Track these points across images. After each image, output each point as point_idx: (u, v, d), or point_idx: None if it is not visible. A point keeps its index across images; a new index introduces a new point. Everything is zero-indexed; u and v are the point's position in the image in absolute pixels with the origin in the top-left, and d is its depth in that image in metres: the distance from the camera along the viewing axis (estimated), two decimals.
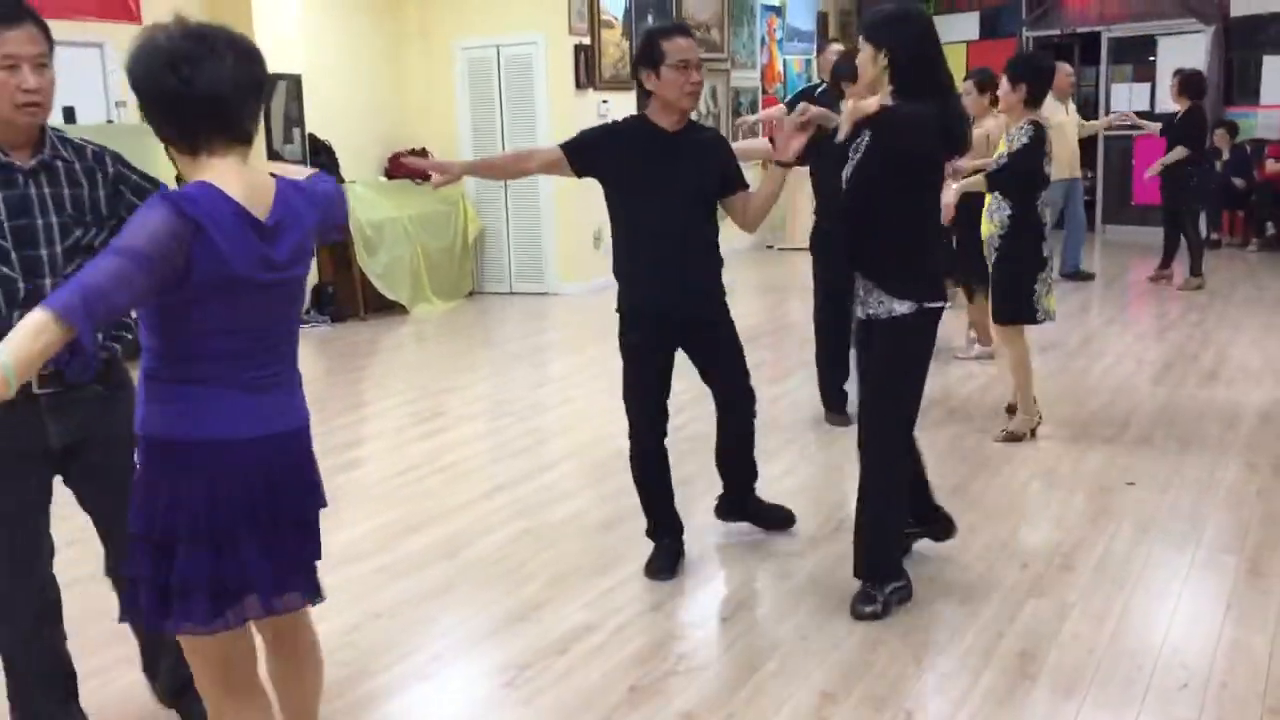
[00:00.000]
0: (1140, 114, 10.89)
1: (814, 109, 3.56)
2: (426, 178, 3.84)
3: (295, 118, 8.99)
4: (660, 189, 3.66)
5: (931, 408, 5.71)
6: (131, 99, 2.29)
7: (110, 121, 7.64)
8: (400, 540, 4.34)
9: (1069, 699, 3.03)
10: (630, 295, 3.81)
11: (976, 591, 3.70)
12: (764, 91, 12.49)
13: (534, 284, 10.39)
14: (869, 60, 3.41)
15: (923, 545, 4.00)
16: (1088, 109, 12.55)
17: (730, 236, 4.08)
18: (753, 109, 12.20)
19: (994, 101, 5.95)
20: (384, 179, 10.12)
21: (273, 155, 8.78)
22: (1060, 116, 9.07)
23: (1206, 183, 9.47)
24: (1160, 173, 9.31)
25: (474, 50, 10.25)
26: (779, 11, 12.90)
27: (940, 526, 3.97)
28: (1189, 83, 9.27)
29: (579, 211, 10.06)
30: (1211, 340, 7.35)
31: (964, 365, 6.83)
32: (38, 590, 2.70)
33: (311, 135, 9.21)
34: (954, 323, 6.70)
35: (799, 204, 12.28)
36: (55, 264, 2.52)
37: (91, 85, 7.67)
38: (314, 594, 2.32)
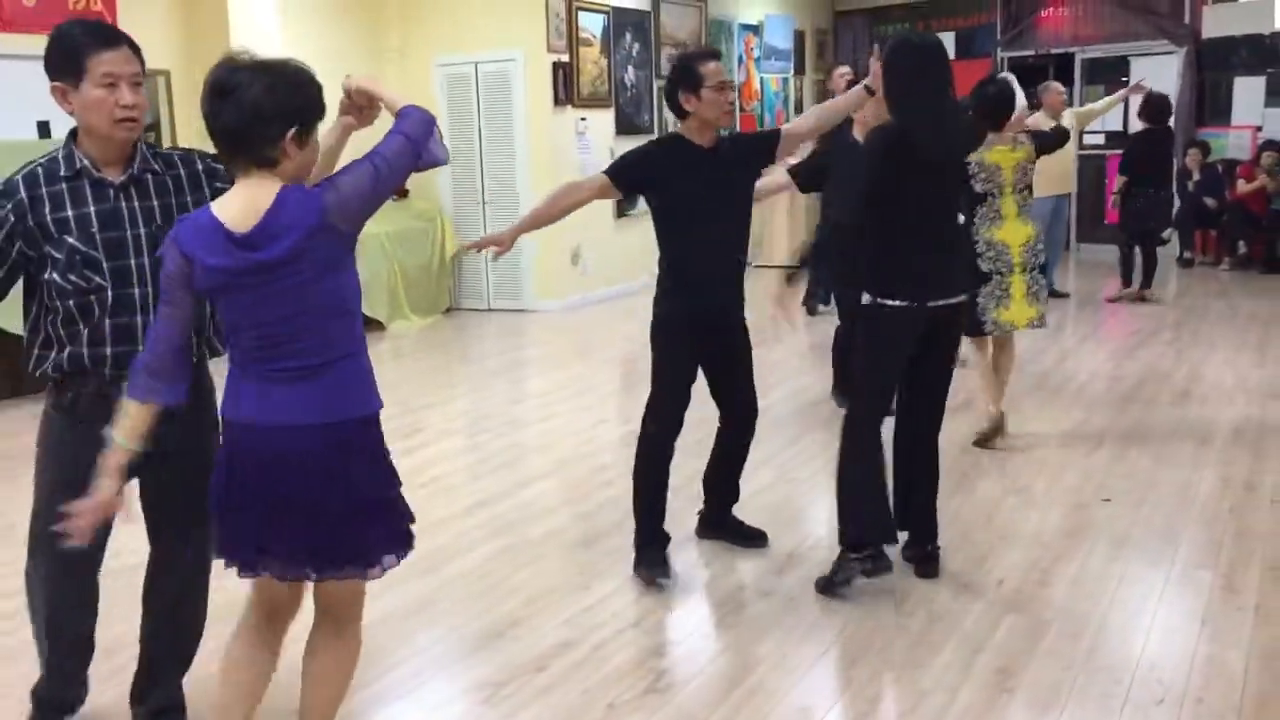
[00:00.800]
0: (1112, 134, 11.05)
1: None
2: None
3: None
4: (702, 204, 3.88)
5: None
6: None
7: None
8: None
9: (1046, 714, 3.05)
10: (670, 303, 3.99)
11: (954, 608, 3.72)
12: (741, 110, 12.55)
13: (512, 301, 10.38)
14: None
15: (896, 564, 4.01)
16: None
17: None
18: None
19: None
20: None
21: None
22: None
23: (1156, 204, 9.59)
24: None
25: (452, 67, 10.26)
26: (756, 30, 12.98)
27: (922, 558, 4.05)
28: (1147, 105, 9.47)
29: (557, 229, 9.95)
30: (1185, 358, 7.42)
31: None
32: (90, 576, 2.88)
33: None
34: None
35: (778, 223, 12.36)
36: (143, 273, 2.67)
37: None
38: (322, 572, 2.47)
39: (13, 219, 2.58)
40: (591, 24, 10.37)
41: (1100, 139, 12.62)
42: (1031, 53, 13.38)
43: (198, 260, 2.30)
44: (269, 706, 2.71)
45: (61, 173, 2.64)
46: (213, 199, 2.56)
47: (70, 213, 2.61)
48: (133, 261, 2.66)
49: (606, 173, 4.01)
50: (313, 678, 2.62)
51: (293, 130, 2.32)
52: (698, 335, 3.98)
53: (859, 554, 3.80)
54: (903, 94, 3.72)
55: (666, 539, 4.12)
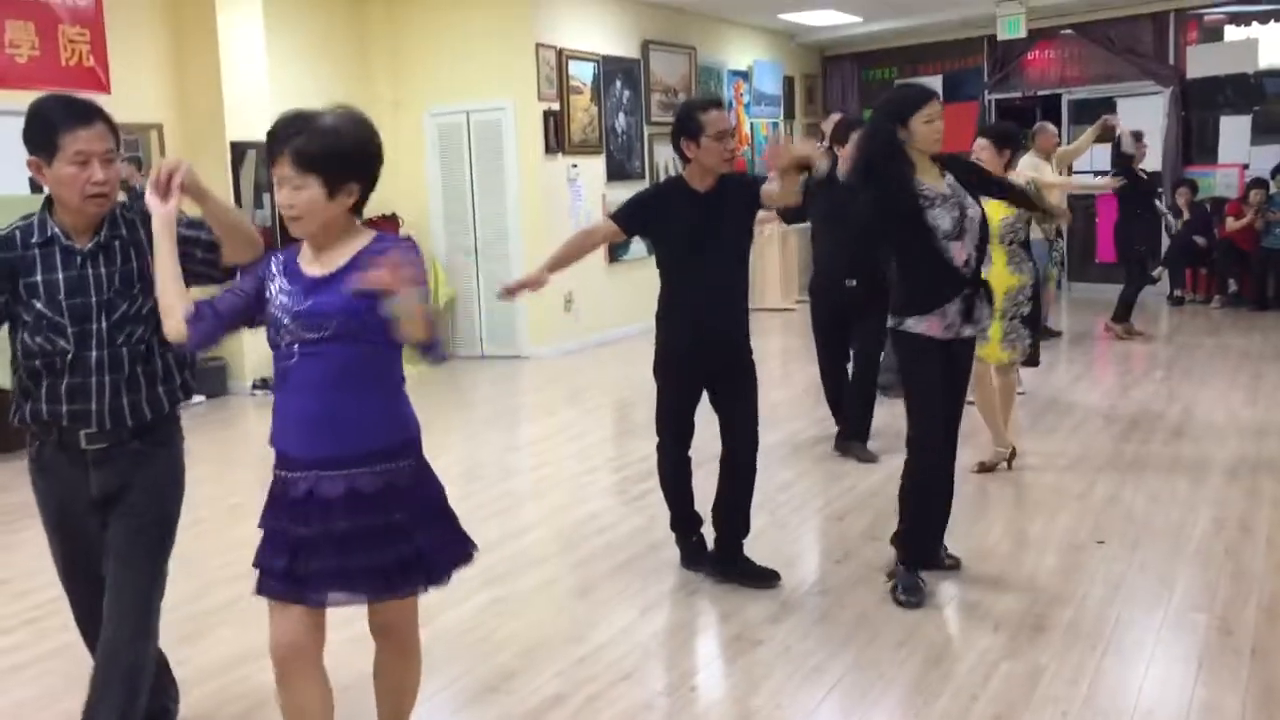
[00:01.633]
0: (1100, 173, 11.14)
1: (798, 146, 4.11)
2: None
3: (265, 184, 9.00)
4: (699, 245, 4.08)
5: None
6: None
7: None
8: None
9: None
10: (668, 340, 4.25)
11: (949, 655, 3.70)
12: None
13: (505, 347, 10.39)
14: None
15: (890, 610, 4.00)
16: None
17: None
18: None
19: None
20: None
21: None
22: (1047, 174, 9.27)
23: (1145, 230, 9.80)
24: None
25: (444, 116, 10.33)
26: (746, 76, 13.09)
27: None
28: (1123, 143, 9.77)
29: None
30: (1177, 397, 7.43)
31: None
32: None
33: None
34: None
35: (770, 265, 12.40)
36: (102, 338, 2.77)
37: None
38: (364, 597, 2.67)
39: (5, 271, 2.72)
40: (582, 72, 10.46)
41: (1088, 177, 12.70)
42: (1019, 95, 13.50)
43: (272, 284, 2.61)
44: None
45: (34, 239, 2.74)
46: (183, 258, 2.72)
47: (39, 278, 2.72)
48: (94, 325, 2.76)
49: (612, 217, 4.31)
50: (386, 692, 2.89)
51: (358, 186, 2.68)
52: (698, 362, 4.21)
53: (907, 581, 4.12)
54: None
55: (697, 523, 4.53)
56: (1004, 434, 5.82)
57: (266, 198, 9.02)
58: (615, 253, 10.81)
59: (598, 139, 10.73)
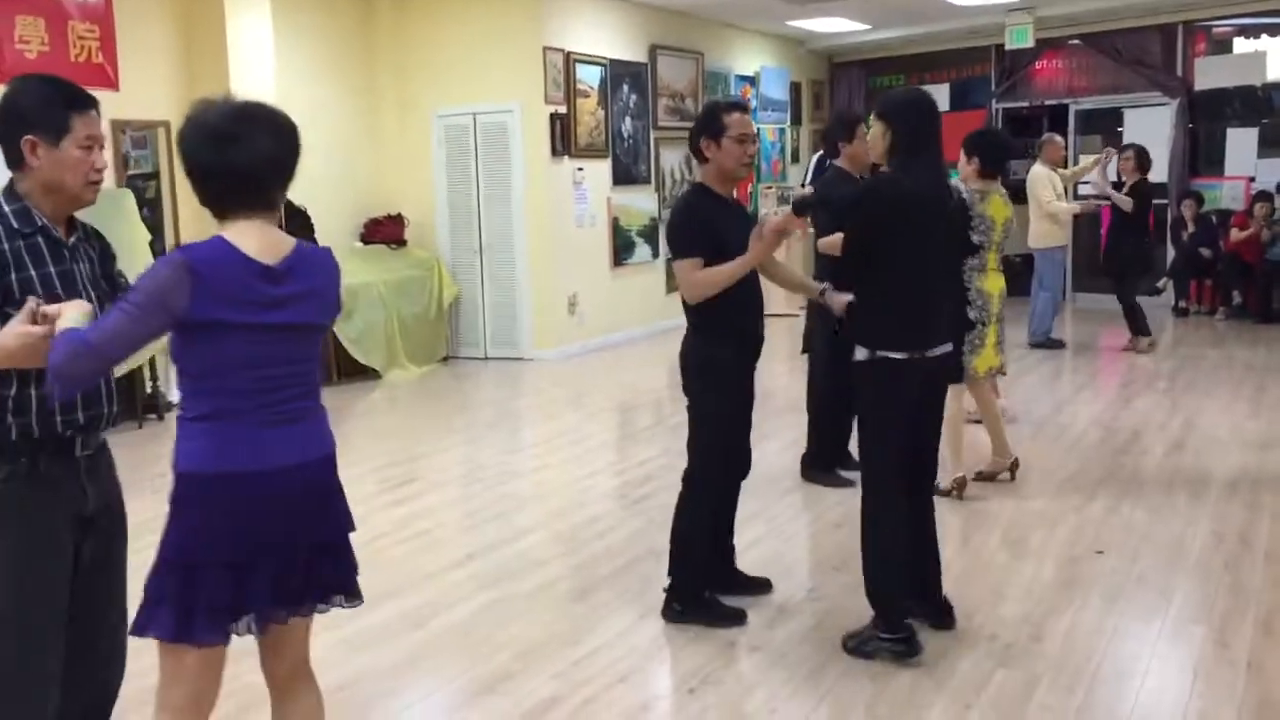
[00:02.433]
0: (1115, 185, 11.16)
1: (771, 223, 3.86)
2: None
3: None
4: (742, 245, 3.89)
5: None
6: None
7: None
8: (366, 610, 4.23)
9: None
10: (723, 345, 3.99)
11: (945, 662, 3.69)
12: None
13: (509, 349, 10.40)
14: (879, 135, 3.78)
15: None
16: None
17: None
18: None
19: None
20: (359, 244, 10.16)
21: None
22: (1058, 185, 9.29)
23: (1135, 252, 9.69)
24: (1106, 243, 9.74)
25: (451, 118, 10.35)
26: (753, 81, 13.10)
27: (936, 612, 3.97)
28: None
29: (554, 278, 10.12)
30: (1179, 408, 7.42)
31: None
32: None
33: (289, 201, 9.22)
34: None
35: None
36: None
37: None
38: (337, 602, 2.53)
39: None
40: (589, 76, 10.48)
41: (1091, 189, 12.72)
42: (1026, 104, 13.51)
43: (209, 284, 2.24)
44: None
45: (20, 228, 2.50)
46: (106, 278, 2.68)
47: (33, 272, 2.49)
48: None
49: (690, 255, 3.89)
50: None
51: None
52: (746, 374, 4.04)
53: (892, 635, 3.70)
54: (923, 145, 3.74)
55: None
56: (1005, 446, 5.79)
57: None
58: (619, 256, 10.82)
59: (604, 142, 10.74)
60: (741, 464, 4.15)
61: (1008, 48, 12.60)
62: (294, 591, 2.42)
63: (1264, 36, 12.12)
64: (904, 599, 3.78)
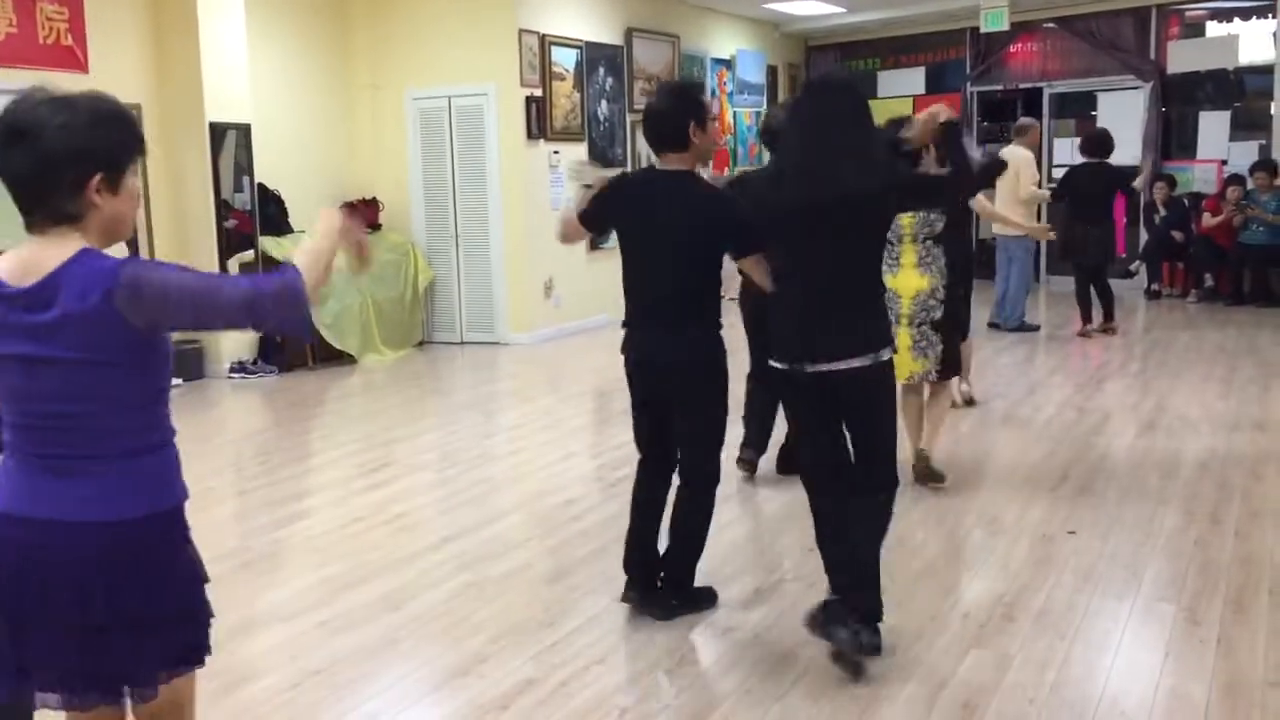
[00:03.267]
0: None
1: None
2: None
3: (245, 166, 8.97)
4: None
5: None
6: None
7: None
8: (343, 594, 4.29)
9: None
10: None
11: (919, 641, 3.72)
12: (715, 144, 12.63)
13: (484, 333, 10.38)
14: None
15: None
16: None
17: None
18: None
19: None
20: None
21: (221, 205, 8.75)
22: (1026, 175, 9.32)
23: (1096, 239, 9.48)
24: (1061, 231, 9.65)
25: (425, 100, 10.30)
26: (729, 64, 13.09)
27: None
28: (1086, 140, 9.70)
29: (530, 262, 10.10)
30: (1151, 390, 7.48)
31: None
32: None
33: (261, 184, 9.19)
34: None
35: None
36: None
37: None
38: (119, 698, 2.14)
39: None
40: (564, 58, 10.44)
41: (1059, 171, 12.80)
42: (1000, 87, 13.55)
43: None
44: None
45: None
46: None
47: None
48: None
49: (759, 250, 3.68)
50: None
51: (98, 176, 2.02)
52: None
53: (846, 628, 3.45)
54: (788, 134, 3.64)
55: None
56: (914, 438, 5.46)
57: (245, 180, 8.98)
58: (596, 241, 10.80)
59: (580, 125, 10.71)
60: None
61: (983, 30, 12.61)
62: (65, 671, 2.09)
63: (1236, 20, 12.21)
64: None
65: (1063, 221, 9.67)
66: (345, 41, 10.39)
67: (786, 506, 5.21)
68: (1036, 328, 10.07)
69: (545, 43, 10.15)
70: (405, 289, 10.11)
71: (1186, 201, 12.01)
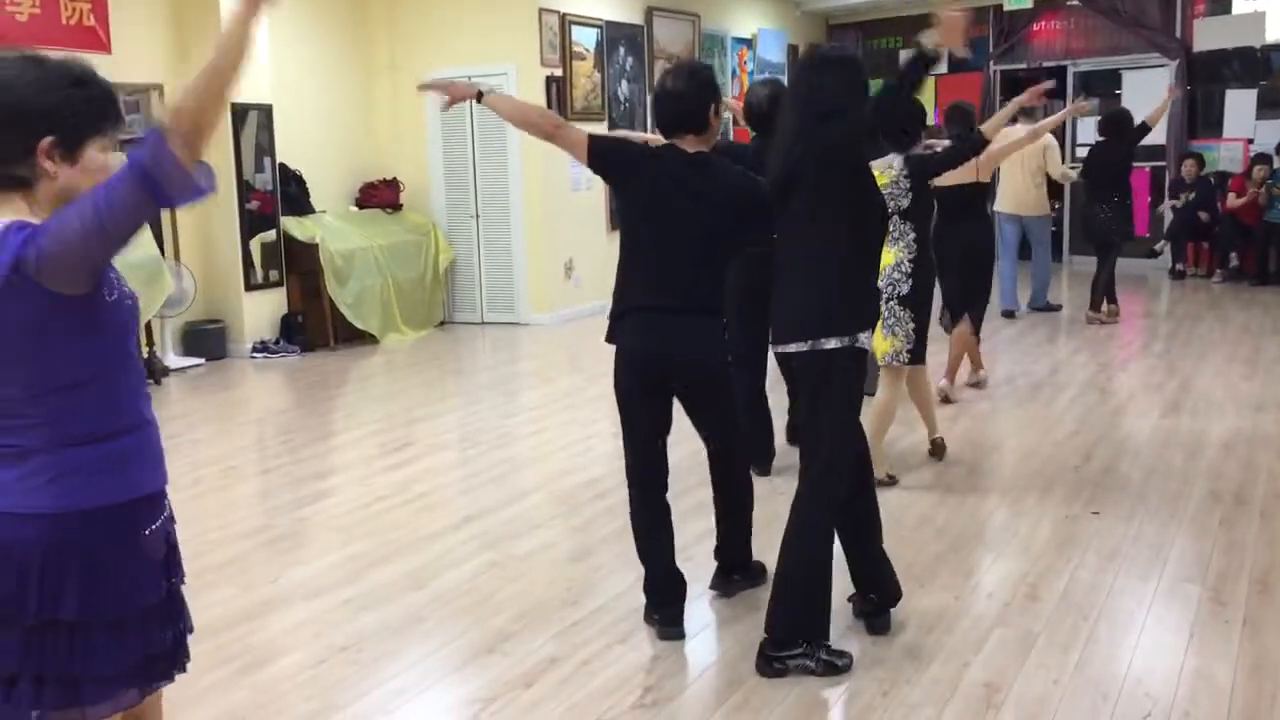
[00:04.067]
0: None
1: None
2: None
3: (266, 147, 8.99)
4: None
5: (898, 440, 5.75)
6: None
7: None
8: (367, 572, 4.31)
9: None
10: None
11: (942, 622, 3.72)
12: (735, 123, 12.56)
13: (505, 314, 10.39)
14: None
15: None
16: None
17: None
18: (725, 138, 12.27)
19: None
20: (354, 209, 10.12)
21: (243, 185, 8.77)
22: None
23: (1114, 217, 9.15)
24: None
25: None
26: (749, 44, 13.02)
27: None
28: (1104, 119, 9.40)
29: (550, 242, 10.09)
30: (1176, 370, 7.43)
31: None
32: None
33: (282, 165, 9.21)
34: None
35: None
36: None
37: None
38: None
39: None
40: (585, 38, 10.40)
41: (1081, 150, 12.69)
42: (1024, 66, 13.43)
43: None
44: None
45: None
46: None
47: None
48: None
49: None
50: None
51: (48, 139, 1.87)
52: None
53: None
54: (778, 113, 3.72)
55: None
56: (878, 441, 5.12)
57: (267, 160, 9.00)
58: (615, 220, 10.77)
59: (600, 105, 10.68)
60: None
61: (1006, 9, 12.52)
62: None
63: None
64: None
65: (1083, 202, 9.62)
66: (365, 22, 10.38)
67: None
68: (1059, 307, 10.01)
69: (565, 22, 10.11)
70: (426, 269, 10.13)
71: (1212, 180, 11.89)
